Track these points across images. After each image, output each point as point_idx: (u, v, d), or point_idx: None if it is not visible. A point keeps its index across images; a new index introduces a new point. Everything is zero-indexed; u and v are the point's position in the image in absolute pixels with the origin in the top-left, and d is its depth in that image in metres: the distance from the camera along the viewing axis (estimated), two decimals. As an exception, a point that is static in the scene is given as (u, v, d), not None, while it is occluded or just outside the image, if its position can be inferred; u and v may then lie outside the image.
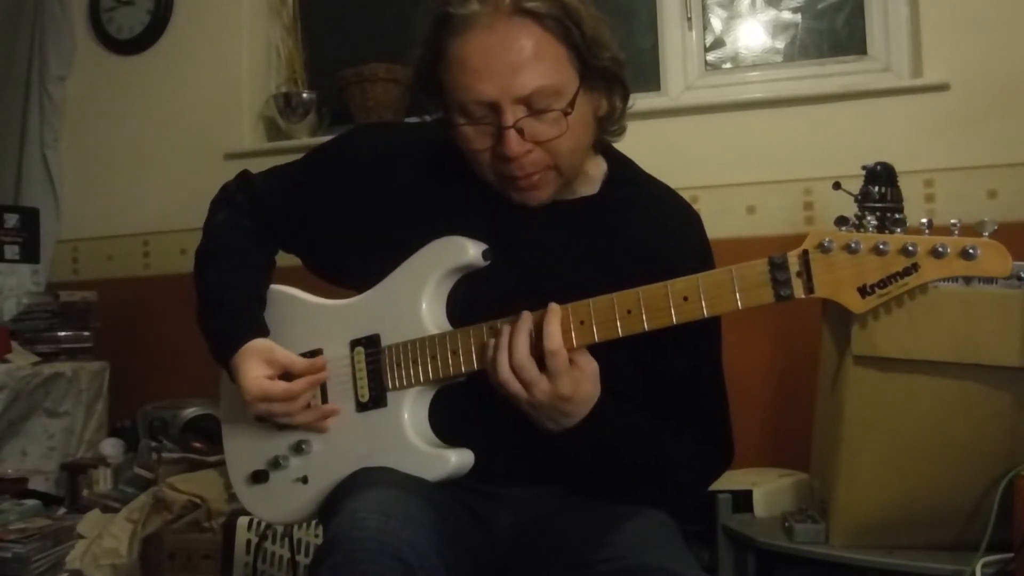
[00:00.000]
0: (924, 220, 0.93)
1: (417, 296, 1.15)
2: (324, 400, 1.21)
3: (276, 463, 1.23)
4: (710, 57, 2.53)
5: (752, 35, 2.52)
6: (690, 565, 1.03)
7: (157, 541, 2.13)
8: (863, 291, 0.93)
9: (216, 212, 1.33)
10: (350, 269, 1.26)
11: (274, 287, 1.30)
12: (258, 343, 1.20)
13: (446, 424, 1.16)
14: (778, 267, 0.96)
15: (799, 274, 0.96)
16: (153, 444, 2.39)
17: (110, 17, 2.92)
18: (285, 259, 1.33)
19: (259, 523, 2.01)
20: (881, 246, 0.92)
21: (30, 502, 2.31)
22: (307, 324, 1.24)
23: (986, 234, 0.90)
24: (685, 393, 1.17)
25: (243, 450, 1.29)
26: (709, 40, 2.53)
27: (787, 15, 2.49)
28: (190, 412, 2.48)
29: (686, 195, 1.29)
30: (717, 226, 1.31)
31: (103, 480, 2.44)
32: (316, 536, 1.92)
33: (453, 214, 1.17)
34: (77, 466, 2.50)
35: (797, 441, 1.94)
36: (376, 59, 2.60)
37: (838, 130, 2.25)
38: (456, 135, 1.11)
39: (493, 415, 1.09)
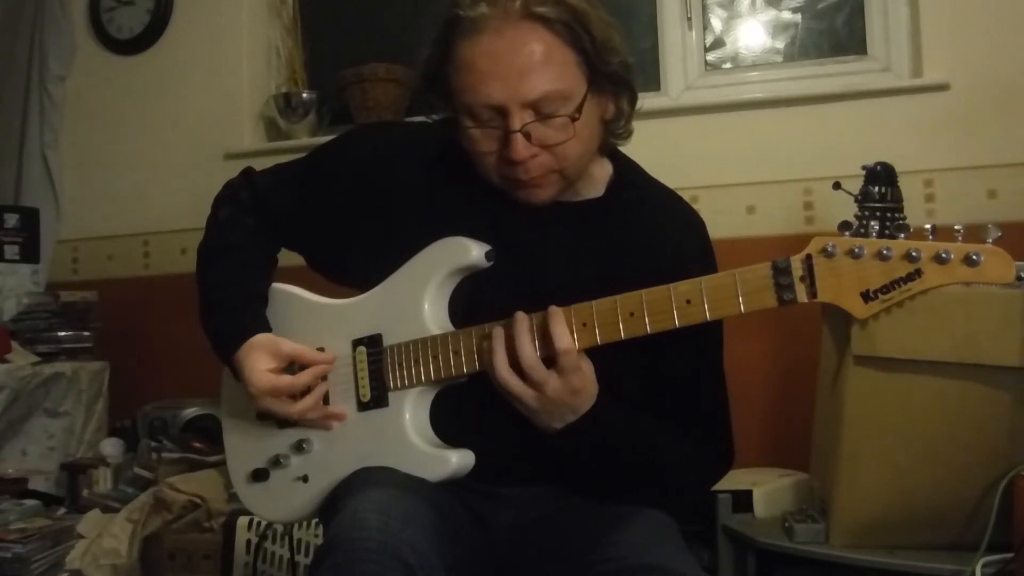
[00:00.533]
0: (928, 225, 0.93)
1: (420, 296, 1.15)
2: (326, 400, 1.21)
3: (277, 462, 1.23)
4: (710, 57, 2.53)
5: (752, 35, 2.52)
6: (690, 565, 1.03)
7: (157, 541, 2.13)
8: (866, 296, 0.93)
9: (219, 209, 1.32)
10: (352, 268, 1.26)
11: (276, 285, 1.30)
12: (262, 337, 1.20)
13: (447, 424, 1.16)
14: (781, 271, 0.96)
15: (802, 279, 0.95)
16: (153, 444, 2.39)
17: (110, 17, 2.92)
18: (288, 258, 1.33)
19: (259, 523, 2.01)
20: (885, 251, 0.92)
21: (30, 502, 2.31)
22: (309, 323, 1.24)
23: (989, 241, 0.90)
24: (686, 394, 1.17)
25: (243, 448, 1.29)
26: (709, 40, 2.53)
27: (787, 15, 2.49)
28: (190, 412, 2.48)
29: (686, 195, 1.29)
30: (717, 226, 1.31)
31: (103, 480, 2.43)
32: (316, 536, 1.92)
33: (456, 214, 1.17)
34: (77, 466, 2.50)
35: (797, 441, 1.94)
36: (376, 59, 2.60)
37: (838, 130, 2.25)
38: (462, 137, 1.11)
39: (494, 415, 1.09)
